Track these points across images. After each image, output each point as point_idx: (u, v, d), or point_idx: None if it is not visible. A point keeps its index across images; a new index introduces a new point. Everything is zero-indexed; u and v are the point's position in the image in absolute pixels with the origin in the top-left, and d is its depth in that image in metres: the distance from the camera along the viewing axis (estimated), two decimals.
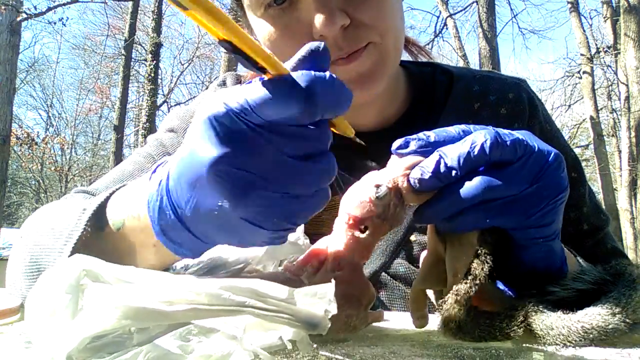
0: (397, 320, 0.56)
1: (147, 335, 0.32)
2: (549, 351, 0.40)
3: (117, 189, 0.53)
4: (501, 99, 0.80)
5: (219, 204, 0.35)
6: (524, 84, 0.84)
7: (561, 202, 0.43)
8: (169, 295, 0.32)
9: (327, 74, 0.35)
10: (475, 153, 0.41)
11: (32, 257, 0.56)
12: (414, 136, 0.44)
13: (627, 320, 0.41)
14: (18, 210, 18.76)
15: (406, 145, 0.44)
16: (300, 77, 0.34)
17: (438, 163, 0.41)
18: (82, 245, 0.51)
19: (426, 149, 0.43)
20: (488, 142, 0.41)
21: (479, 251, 0.43)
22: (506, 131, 0.42)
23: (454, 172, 0.41)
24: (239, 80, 0.85)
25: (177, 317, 0.32)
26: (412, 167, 0.43)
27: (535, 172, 0.42)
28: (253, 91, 0.34)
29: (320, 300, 0.33)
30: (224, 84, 0.86)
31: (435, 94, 0.81)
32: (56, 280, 0.35)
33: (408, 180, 0.43)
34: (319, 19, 0.61)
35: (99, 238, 0.52)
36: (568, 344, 0.41)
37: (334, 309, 0.33)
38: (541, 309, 0.43)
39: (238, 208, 0.35)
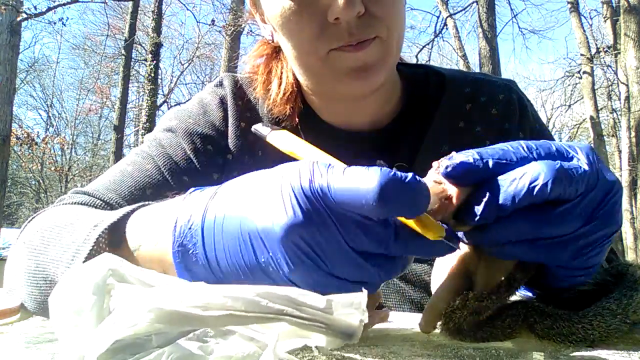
0: (397, 320, 0.56)
1: (166, 338, 0.32)
2: (549, 351, 0.40)
3: (137, 207, 0.51)
4: (492, 100, 0.81)
5: (264, 261, 0.36)
6: (514, 86, 0.85)
7: (612, 240, 0.40)
8: (204, 300, 0.31)
9: (409, 175, 0.34)
10: (534, 194, 0.36)
11: (38, 265, 0.55)
12: (466, 158, 0.38)
13: (628, 321, 0.41)
14: (18, 210, 18.77)
15: (462, 171, 0.38)
16: (376, 172, 0.34)
17: (488, 205, 0.37)
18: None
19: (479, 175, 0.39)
20: (550, 183, 0.36)
21: (512, 278, 0.42)
22: (574, 160, 0.38)
23: (504, 212, 0.37)
24: (236, 82, 0.85)
25: (213, 323, 0.31)
26: (459, 197, 0.39)
27: (593, 209, 0.38)
28: (336, 175, 0.35)
29: (356, 310, 0.33)
30: (220, 84, 0.86)
31: (428, 95, 0.82)
32: (82, 278, 0.34)
33: (454, 218, 0.39)
34: (339, 1, 0.62)
35: (114, 253, 0.50)
36: (568, 344, 0.41)
37: (366, 318, 0.33)
38: (542, 309, 0.43)
39: (292, 274, 0.35)
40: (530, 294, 0.47)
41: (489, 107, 0.81)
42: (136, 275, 0.36)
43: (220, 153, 0.80)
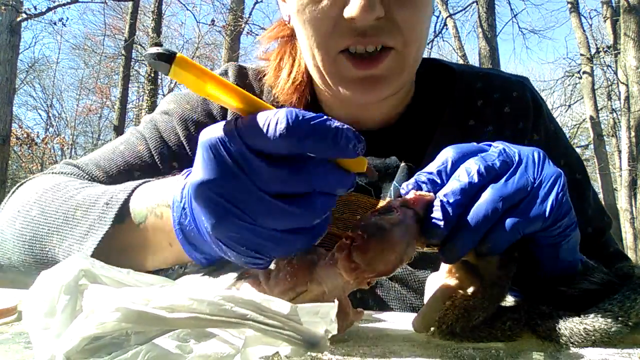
0: (397, 320, 0.56)
1: (145, 337, 0.32)
2: (550, 351, 0.40)
3: (140, 184, 0.55)
4: (505, 97, 0.78)
5: (205, 224, 0.39)
6: (527, 83, 0.82)
7: (565, 187, 0.43)
8: (170, 301, 0.32)
9: (323, 118, 0.36)
10: (471, 185, 0.42)
11: (35, 235, 0.56)
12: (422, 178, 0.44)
13: (630, 323, 0.41)
14: None
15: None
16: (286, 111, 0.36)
17: (445, 213, 0.41)
18: (104, 241, 0.53)
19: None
20: (482, 167, 0.42)
21: (495, 277, 0.43)
22: (493, 151, 0.44)
23: (461, 208, 0.42)
24: (241, 72, 0.83)
25: (178, 324, 0.32)
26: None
27: (534, 169, 0.43)
28: (244, 120, 0.37)
29: (321, 319, 0.33)
30: (225, 73, 0.84)
31: (438, 92, 0.79)
32: (54, 280, 0.34)
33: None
34: (357, 4, 0.60)
35: (117, 231, 0.53)
36: (570, 345, 0.41)
37: (334, 330, 0.33)
38: (543, 311, 0.42)
39: (214, 230, 0.38)
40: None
41: (502, 104, 0.78)
42: (109, 274, 0.36)
43: None
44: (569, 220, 0.43)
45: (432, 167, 0.45)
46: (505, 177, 0.42)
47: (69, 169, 0.74)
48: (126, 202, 0.53)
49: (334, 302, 0.33)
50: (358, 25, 0.61)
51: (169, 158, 0.77)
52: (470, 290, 0.44)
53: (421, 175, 0.44)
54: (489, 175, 0.42)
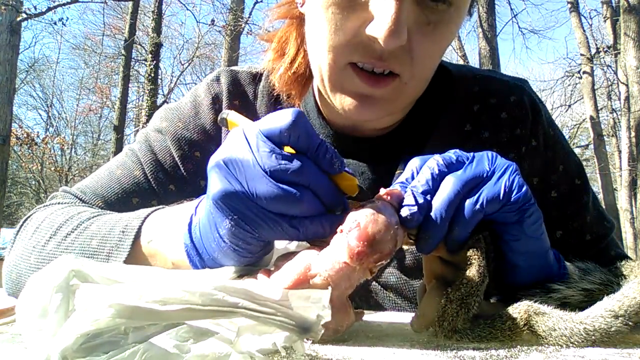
0: (398, 320, 0.56)
1: (143, 335, 0.32)
2: (549, 351, 0.40)
3: (152, 211, 0.59)
4: (502, 102, 0.77)
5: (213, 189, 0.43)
6: (526, 86, 0.80)
7: (517, 171, 0.48)
8: (163, 295, 0.32)
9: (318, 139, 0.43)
10: (433, 175, 0.47)
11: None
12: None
13: (630, 323, 0.41)
14: (18, 210, 18.75)
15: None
16: (293, 111, 0.43)
17: (416, 198, 0.46)
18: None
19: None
20: (441, 161, 0.48)
21: (473, 262, 0.45)
22: (449, 153, 0.50)
23: (429, 196, 0.46)
24: (234, 79, 0.81)
25: (171, 317, 0.32)
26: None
27: (488, 161, 0.48)
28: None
29: (313, 304, 0.33)
30: (217, 80, 0.82)
31: (435, 96, 0.77)
32: (45, 282, 0.35)
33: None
34: (385, 27, 0.56)
35: (130, 255, 0.57)
36: (570, 345, 0.41)
37: (327, 315, 0.33)
38: (543, 311, 0.42)
39: (220, 195, 0.42)
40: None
41: (499, 110, 0.76)
42: (100, 272, 0.36)
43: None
44: (525, 197, 0.46)
45: (402, 178, 0.49)
46: (463, 167, 0.47)
47: (70, 198, 0.75)
48: (139, 229, 0.57)
49: (327, 288, 0.33)
50: (378, 47, 0.59)
51: (165, 182, 0.77)
52: (458, 282, 0.45)
53: (395, 186, 0.49)
54: (449, 167, 0.48)
